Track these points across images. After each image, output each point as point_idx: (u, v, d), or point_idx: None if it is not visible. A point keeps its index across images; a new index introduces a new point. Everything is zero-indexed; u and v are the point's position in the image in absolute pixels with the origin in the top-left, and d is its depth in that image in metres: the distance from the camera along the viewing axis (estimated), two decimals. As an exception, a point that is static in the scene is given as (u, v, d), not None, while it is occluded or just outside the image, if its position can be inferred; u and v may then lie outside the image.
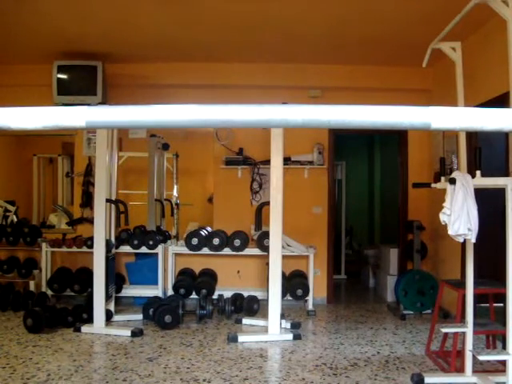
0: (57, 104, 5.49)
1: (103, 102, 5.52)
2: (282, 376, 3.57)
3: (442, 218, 2.96)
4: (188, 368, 3.68)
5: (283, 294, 4.87)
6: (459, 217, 2.86)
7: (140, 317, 5.06)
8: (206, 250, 5.58)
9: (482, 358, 2.98)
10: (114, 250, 4.94)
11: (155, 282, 5.61)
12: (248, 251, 5.58)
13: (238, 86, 5.93)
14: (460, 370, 3.38)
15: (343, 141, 7.28)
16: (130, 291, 5.77)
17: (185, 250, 5.64)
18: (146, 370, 3.62)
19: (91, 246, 4.86)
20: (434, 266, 5.80)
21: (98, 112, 0.64)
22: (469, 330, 3.27)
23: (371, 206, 9.32)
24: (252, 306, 5.26)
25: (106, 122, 0.65)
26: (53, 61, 5.44)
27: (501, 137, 4.28)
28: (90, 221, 5.33)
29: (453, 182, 2.94)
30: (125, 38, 5.01)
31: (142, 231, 5.86)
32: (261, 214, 4.97)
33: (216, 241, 5.52)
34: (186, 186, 6.73)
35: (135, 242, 5.51)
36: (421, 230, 5.59)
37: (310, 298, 5.54)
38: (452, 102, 3.47)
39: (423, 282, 5.33)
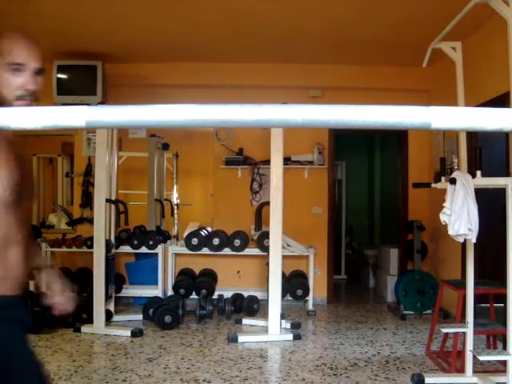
0: (56, 104, 5.49)
1: (103, 102, 5.52)
2: (282, 376, 3.57)
3: (443, 218, 2.96)
4: (188, 368, 3.67)
5: (283, 294, 4.87)
6: (459, 217, 2.85)
7: (140, 317, 5.06)
8: (206, 250, 5.58)
9: (482, 358, 2.98)
10: (113, 250, 4.94)
11: (155, 282, 5.61)
12: (248, 251, 5.58)
13: (238, 86, 5.93)
14: (460, 370, 3.38)
15: (343, 141, 7.28)
16: (130, 291, 5.76)
17: (185, 250, 5.64)
18: (146, 370, 3.62)
19: (91, 246, 4.86)
20: (434, 266, 5.79)
21: (97, 112, 0.64)
22: (469, 330, 3.27)
23: (371, 206, 9.32)
24: (252, 306, 5.26)
25: (105, 121, 0.65)
26: (53, 61, 5.43)
27: (501, 137, 4.28)
28: (90, 221, 5.32)
29: (453, 182, 2.94)
30: (125, 38, 5.01)
31: (142, 231, 5.85)
32: (261, 214, 4.97)
33: (216, 241, 5.52)
34: (185, 185, 6.73)
35: (135, 242, 5.51)
36: (421, 230, 5.59)
37: (310, 298, 5.54)
38: (452, 102, 3.47)
39: (423, 282, 5.33)
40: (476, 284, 3.32)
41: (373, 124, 0.63)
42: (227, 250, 5.56)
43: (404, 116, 0.62)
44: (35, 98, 1.46)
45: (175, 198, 6.26)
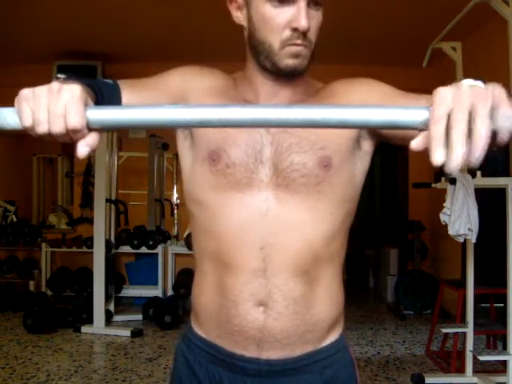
0: (57, 104, 5.48)
1: (103, 102, 5.52)
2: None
3: (443, 218, 2.96)
4: (188, 368, 3.67)
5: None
6: (459, 217, 2.86)
7: (140, 317, 5.05)
8: (205, 250, 5.56)
9: (482, 358, 2.98)
10: (113, 250, 4.93)
11: (155, 282, 5.61)
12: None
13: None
14: (460, 370, 3.38)
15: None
16: (130, 291, 5.76)
17: (185, 250, 5.62)
18: (146, 370, 3.62)
19: (91, 246, 4.85)
20: (434, 266, 5.79)
21: (98, 112, 0.64)
22: (469, 330, 3.27)
23: (371, 206, 9.31)
24: (252, 306, 5.25)
25: (106, 121, 0.65)
26: (53, 61, 5.43)
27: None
28: (90, 221, 5.32)
29: (453, 182, 2.94)
30: (125, 38, 5.00)
31: (142, 231, 5.85)
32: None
33: (216, 241, 5.51)
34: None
35: (135, 242, 5.49)
36: (421, 230, 5.59)
37: (310, 298, 5.52)
38: (452, 102, 3.46)
39: (423, 282, 5.33)
40: (476, 284, 3.32)
41: (372, 124, 0.63)
42: (227, 250, 5.54)
43: (403, 116, 0.62)
44: (310, 44, 1.04)
45: (175, 197, 6.25)
